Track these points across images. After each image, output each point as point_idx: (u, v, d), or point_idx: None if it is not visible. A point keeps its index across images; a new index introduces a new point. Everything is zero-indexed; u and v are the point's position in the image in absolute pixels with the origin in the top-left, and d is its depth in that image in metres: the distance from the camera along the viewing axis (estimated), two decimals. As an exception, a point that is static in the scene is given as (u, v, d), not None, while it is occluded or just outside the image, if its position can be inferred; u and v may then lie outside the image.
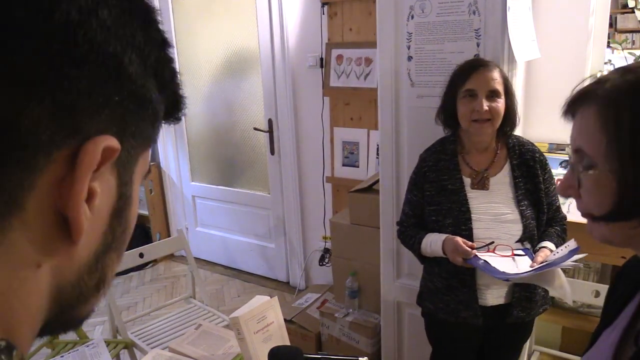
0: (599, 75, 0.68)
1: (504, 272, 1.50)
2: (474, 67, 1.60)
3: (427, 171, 1.70)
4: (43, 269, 0.32)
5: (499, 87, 1.59)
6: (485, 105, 1.56)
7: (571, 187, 0.69)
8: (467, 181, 1.67)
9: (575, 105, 0.68)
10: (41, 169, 0.30)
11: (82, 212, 0.31)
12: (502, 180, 1.67)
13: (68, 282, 0.34)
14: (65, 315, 0.36)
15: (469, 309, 1.66)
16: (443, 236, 1.62)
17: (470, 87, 1.58)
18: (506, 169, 1.67)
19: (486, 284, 1.64)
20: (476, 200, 1.65)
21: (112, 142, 0.32)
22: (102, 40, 0.31)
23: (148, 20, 0.35)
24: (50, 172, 0.30)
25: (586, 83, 0.67)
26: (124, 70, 0.32)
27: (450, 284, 1.67)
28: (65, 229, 0.32)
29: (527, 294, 1.66)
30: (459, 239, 1.57)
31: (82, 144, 0.30)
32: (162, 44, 0.36)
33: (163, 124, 0.39)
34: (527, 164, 1.67)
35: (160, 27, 0.36)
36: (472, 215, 1.63)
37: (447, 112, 1.67)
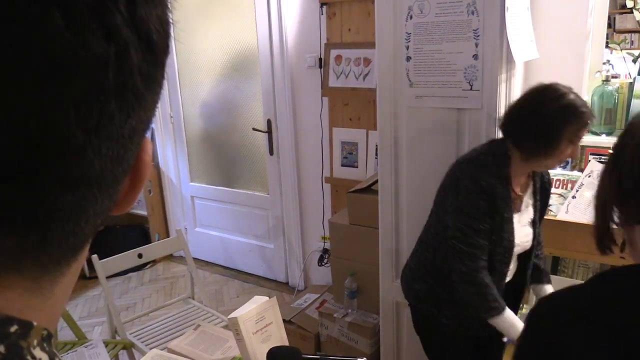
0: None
1: None
2: (592, 118, 1.53)
3: (496, 199, 1.54)
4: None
5: None
6: None
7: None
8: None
9: None
10: (121, 189, 0.34)
11: (133, 203, 0.37)
12: (527, 203, 1.67)
13: None
14: None
15: (485, 326, 1.62)
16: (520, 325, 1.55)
17: (582, 135, 1.52)
18: (529, 190, 1.67)
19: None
20: (515, 224, 1.62)
21: (150, 145, 0.36)
22: (156, 71, 0.33)
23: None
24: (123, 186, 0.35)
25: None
26: (161, 89, 0.35)
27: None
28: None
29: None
30: None
31: (137, 153, 0.35)
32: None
33: None
34: (545, 187, 1.70)
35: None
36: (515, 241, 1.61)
37: (543, 145, 1.51)
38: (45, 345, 0.31)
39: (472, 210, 1.53)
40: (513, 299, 1.76)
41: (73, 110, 0.27)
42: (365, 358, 1.31)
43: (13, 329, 0.29)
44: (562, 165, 2.03)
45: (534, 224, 1.68)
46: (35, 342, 0.30)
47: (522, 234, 1.64)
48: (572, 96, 1.50)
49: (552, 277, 1.86)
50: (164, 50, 0.33)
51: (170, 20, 0.34)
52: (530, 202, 1.68)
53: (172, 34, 0.35)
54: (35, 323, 0.31)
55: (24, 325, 0.30)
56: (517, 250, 1.65)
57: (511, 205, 1.58)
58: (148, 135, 0.38)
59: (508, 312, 1.56)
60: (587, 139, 2.01)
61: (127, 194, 0.36)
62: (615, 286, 0.76)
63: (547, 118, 1.50)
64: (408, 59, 1.97)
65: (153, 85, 0.32)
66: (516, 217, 1.62)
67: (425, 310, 1.77)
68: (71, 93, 0.27)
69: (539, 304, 0.87)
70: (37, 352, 0.30)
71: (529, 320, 0.82)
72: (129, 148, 0.32)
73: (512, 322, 1.55)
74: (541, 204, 1.70)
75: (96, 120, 0.29)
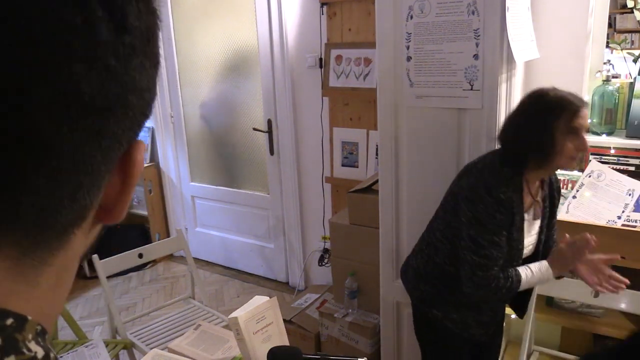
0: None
1: None
2: (581, 104, 1.48)
3: (514, 211, 1.52)
4: (82, 254, 0.37)
5: None
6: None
7: None
8: (527, 214, 1.60)
9: None
10: (105, 184, 0.35)
11: (127, 206, 0.37)
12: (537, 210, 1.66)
13: (84, 252, 0.39)
14: None
15: (487, 333, 1.72)
16: (543, 264, 1.57)
17: (579, 125, 1.46)
18: (539, 197, 1.64)
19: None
20: (525, 232, 1.60)
21: (143, 146, 0.37)
22: (141, 80, 0.34)
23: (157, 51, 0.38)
24: (109, 182, 0.35)
25: None
26: (153, 98, 0.37)
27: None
28: (100, 216, 0.37)
29: None
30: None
31: (126, 151, 0.35)
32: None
33: None
34: (553, 195, 1.68)
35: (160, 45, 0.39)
36: (524, 249, 1.60)
37: (538, 147, 1.48)
38: (39, 340, 0.31)
39: (489, 223, 1.49)
40: (518, 299, 1.78)
41: (39, 68, 0.28)
42: (365, 358, 1.31)
43: (9, 322, 0.30)
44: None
45: (540, 231, 1.66)
46: (30, 336, 0.31)
47: (527, 241, 1.63)
48: (553, 92, 1.48)
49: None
50: (145, 36, 0.33)
51: (157, 12, 0.35)
52: (540, 208, 1.66)
53: (158, 24, 0.35)
54: (30, 317, 0.31)
55: (19, 319, 0.30)
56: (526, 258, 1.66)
57: (523, 215, 1.56)
58: (148, 138, 0.39)
59: (524, 273, 1.54)
60: (587, 140, 2.01)
61: (119, 195, 0.36)
62: None
63: (532, 121, 1.48)
64: (408, 58, 1.97)
65: (134, 71, 0.32)
66: (526, 225, 1.59)
67: (430, 313, 1.75)
68: (38, 53, 0.28)
69: None
70: (33, 346, 0.31)
71: None
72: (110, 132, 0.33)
73: (534, 275, 1.55)
74: (550, 211, 1.68)
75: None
